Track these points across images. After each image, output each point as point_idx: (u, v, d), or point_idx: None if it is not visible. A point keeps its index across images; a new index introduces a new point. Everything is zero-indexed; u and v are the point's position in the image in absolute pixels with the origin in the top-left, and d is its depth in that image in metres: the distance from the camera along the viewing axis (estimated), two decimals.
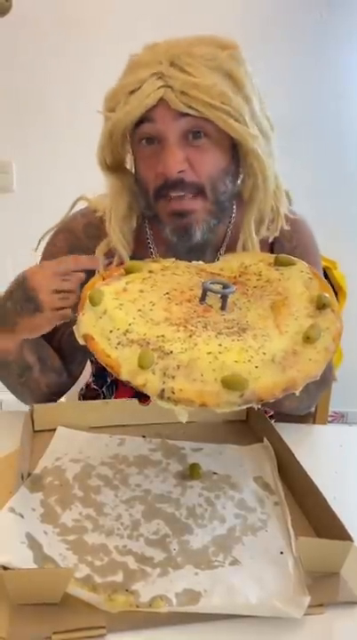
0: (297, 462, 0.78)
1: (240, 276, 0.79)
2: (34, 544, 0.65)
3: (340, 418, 2.60)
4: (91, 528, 0.70)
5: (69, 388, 1.05)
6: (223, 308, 0.72)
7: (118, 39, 2.04)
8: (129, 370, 0.65)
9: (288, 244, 0.99)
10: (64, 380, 1.01)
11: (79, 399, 1.17)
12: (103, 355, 0.67)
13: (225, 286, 0.74)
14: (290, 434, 0.86)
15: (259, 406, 0.65)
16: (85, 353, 0.95)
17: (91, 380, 1.14)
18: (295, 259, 0.79)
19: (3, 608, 0.58)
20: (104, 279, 0.76)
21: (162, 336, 0.66)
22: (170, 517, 0.73)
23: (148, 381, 0.63)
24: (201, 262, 0.84)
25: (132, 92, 0.82)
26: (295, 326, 0.68)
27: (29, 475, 0.79)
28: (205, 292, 0.73)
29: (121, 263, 0.90)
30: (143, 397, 0.95)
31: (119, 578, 0.62)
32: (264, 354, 0.64)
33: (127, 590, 0.61)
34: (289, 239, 0.99)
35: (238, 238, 0.93)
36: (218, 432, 0.94)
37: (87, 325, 0.69)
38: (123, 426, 0.93)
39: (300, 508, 0.75)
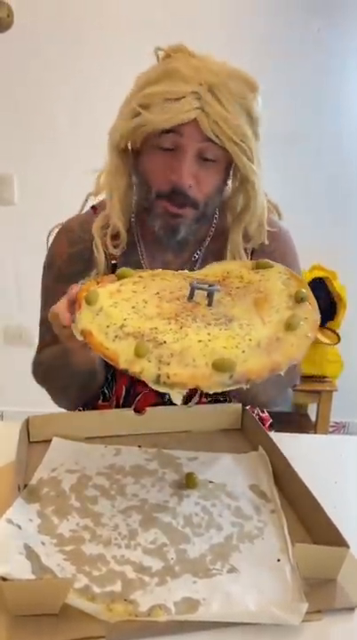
0: (292, 469, 0.79)
1: (223, 280, 0.84)
2: (32, 555, 0.65)
3: (341, 428, 2.61)
4: (88, 538, 0.70)
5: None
6: (210, 304, 0.77)
7: (119, 52, 2.06)
8: (126, 359, 0.70)
9: (267, 250, 1.04)
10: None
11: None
12: (101, 347, 0.72)
13: (210, 286, 0.79)
14: (291, 443, 0.87)
15: (244, 388, 0.69)
16: None
17: None
18: (272, 262, 0.85)
19: (1, 619, 0.58)
20: (98, 284, 0.81)
21: (156, 328, 0.72)
22: (168, 526, 0.73)
23: (145, 369, 0.69)
24: (186, 271, 0.90)
25: (168, 99, 0.88)
26: (277, 317, 0.74)
27: (26, 486, 0.79)
28: (193, 289, 0.78)
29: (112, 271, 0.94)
30: (138, 408, 0.96)
31: (117, 587, 0.63)
32: (250, 340, 0.70)
33: (126, 600, 0.61)
34: (267, 249, 1.04)
35: (218, 238, 1.03)
36: (213, 441, 0.94)
37: (85, 322, 0.74)
38: (119, 436, 0.93)
39: (296, 515, 0.76)
